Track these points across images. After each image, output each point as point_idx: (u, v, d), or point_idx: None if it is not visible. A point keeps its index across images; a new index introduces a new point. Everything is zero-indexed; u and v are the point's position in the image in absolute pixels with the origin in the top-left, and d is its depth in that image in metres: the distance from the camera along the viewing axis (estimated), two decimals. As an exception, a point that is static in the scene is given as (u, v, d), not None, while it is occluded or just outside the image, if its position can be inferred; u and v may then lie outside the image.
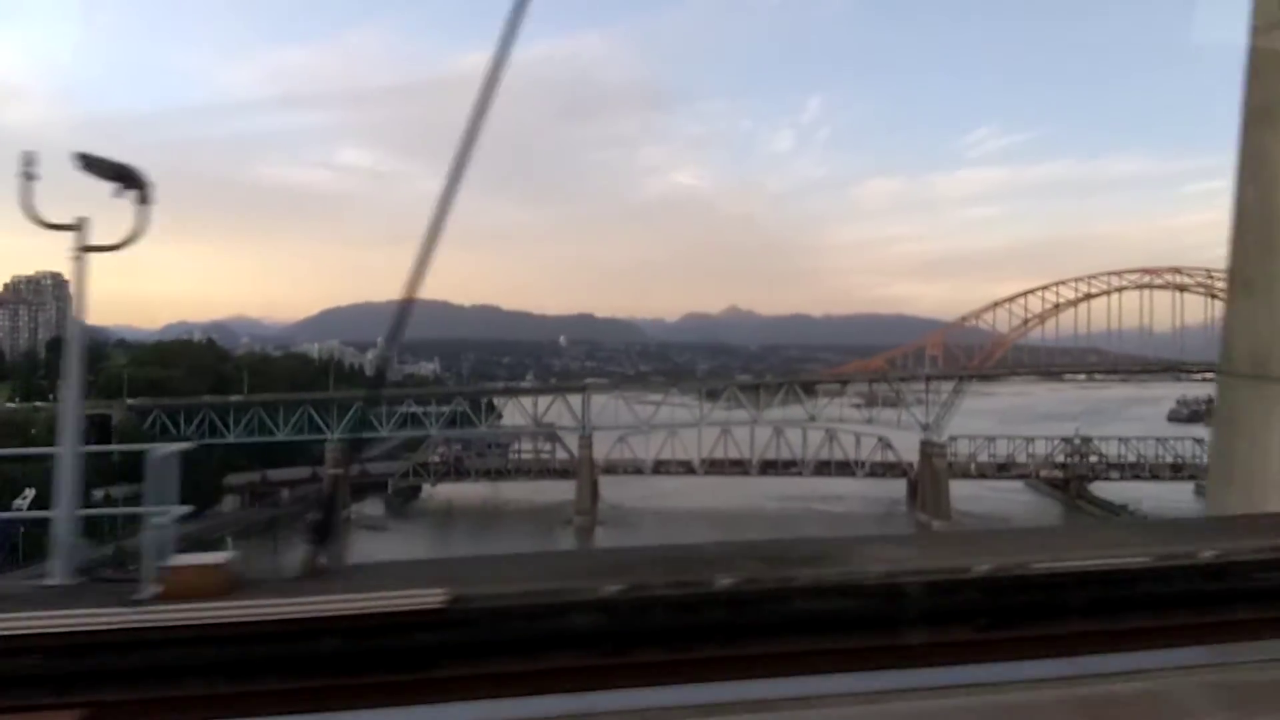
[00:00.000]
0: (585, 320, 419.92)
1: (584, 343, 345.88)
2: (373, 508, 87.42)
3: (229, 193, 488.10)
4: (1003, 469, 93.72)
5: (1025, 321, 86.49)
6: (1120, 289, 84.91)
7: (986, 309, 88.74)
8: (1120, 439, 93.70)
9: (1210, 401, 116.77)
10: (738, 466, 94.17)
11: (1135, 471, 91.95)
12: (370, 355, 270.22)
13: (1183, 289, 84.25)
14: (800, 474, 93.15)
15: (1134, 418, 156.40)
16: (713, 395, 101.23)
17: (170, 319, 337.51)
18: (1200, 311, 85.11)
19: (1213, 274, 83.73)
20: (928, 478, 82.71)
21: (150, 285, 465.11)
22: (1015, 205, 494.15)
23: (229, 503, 79.11)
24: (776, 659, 2.97)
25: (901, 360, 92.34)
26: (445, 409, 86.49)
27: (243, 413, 79.20)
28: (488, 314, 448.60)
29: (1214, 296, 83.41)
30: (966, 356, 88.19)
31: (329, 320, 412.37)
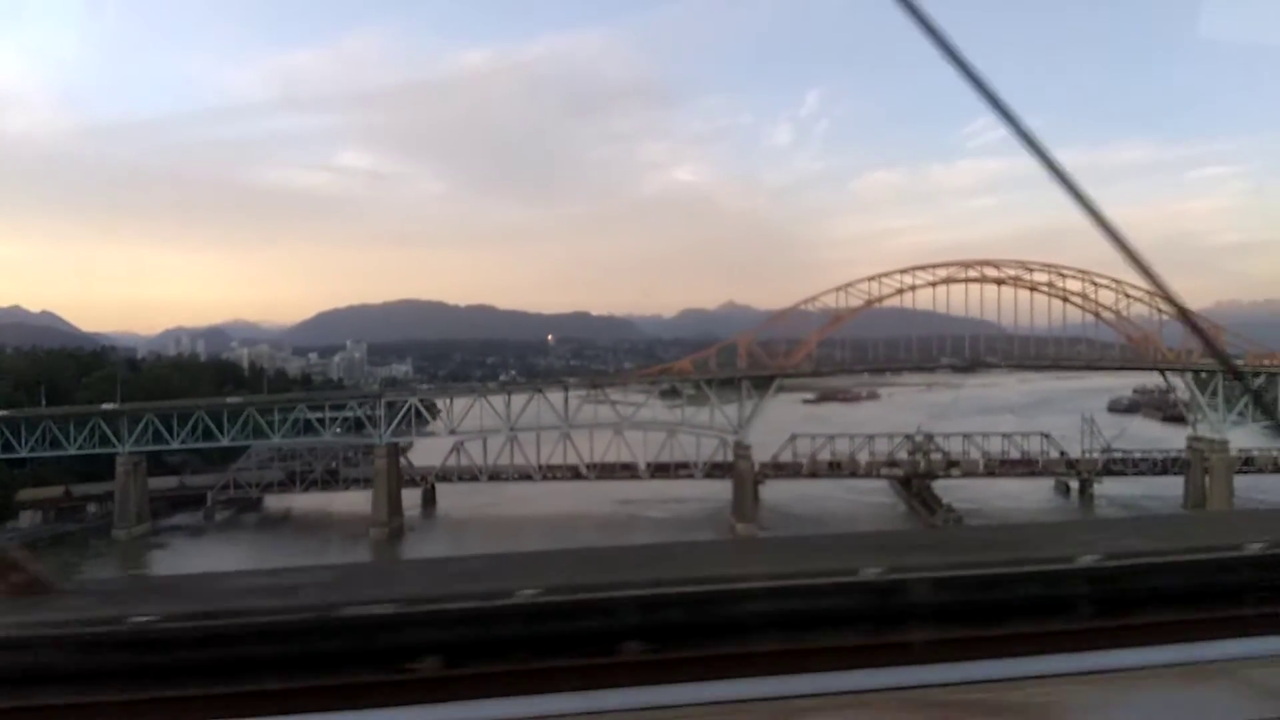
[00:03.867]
0: (580, 318, 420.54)
1: (572, 341, 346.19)
2: (193, 519, 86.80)
3: (228, 196, 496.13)
4: (834, 467, 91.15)
5: (834, 319, 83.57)
6: (933, 283, 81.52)
7: (803, 303, 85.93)
8: (965, 435, 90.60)
9: (1169, 391, 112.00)
10: (628, 470, 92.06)
11: (982, 468, 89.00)
12: (338, 359, 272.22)
13: (1000, 283, 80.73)
14: (639, 477, 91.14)
15: (1075, 409, 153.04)
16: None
17: (169, 324, 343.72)
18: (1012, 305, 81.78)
19: (1030, 267, 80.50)
20: (737, 481, 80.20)
21: (149, 290, 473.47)
22: (1016, 195, 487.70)
23: (26, 518, 78.76)
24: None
25: (715, 359, 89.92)
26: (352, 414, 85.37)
27: (35, 426, 78.77)
28: (482, 314, 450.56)
29: (1034, 290, 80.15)
30: (784, 353, 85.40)
31: (326, 323, 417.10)
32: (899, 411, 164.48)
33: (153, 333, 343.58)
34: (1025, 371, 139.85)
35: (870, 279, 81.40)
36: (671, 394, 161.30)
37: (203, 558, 70.37)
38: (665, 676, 2.73)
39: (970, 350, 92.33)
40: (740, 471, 79.65)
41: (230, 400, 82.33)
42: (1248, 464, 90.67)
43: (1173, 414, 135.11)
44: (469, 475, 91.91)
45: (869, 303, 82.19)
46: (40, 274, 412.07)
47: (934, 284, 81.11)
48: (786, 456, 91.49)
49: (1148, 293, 75.55)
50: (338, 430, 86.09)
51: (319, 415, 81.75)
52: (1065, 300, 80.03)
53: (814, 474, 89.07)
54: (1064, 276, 79.34)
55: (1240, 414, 74.65)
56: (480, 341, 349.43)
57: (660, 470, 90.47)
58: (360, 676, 2.81)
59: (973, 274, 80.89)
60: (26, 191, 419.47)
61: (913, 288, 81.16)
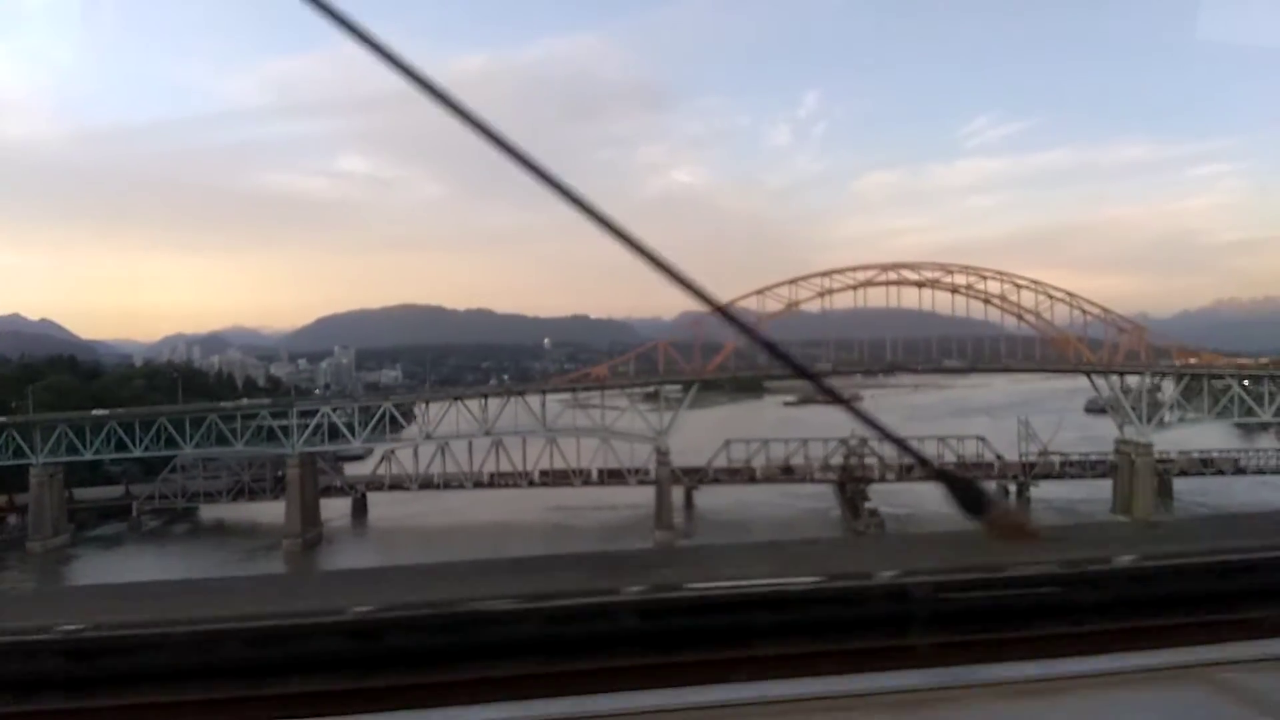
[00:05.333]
0: (579, 322, 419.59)
1: (569, 345, 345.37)
2: (118, 530, 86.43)
3: (228, 202, 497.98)
4: (786, 472, 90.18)
5: (758, 321, 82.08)
6: (853, 286, 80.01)
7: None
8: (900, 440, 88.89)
9: (1156, 389, 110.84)
10: (562, 477, 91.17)
11: (915, 473, 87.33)
12: (325, 365, 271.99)
13: (921, 285, 79.17)
14: (572, 484, 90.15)
15: (1055, 409, 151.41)
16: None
17: (169, 331, 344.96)
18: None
19: (950, 269, 78.86)
20: (657, 488, 78.92)
21: (150, 297, 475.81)
22: (1016, 194, 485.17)
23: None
24: None
25: (635, 363, 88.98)
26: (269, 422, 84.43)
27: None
28: (480, 318, 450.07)
29: (954, 292, 78.59)
30: (702, 358, 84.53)
31: (325, 328, 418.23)
32: (877, 414, 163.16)
33: (153, 339, 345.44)
34: (1016, 373, 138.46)
35: (790, 282, 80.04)
36: (655, 398, 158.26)
37: (99, 569, 69.97)
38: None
39: (939, 351, 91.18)
40: (659, 478, 78.38)
41: (139, 410, 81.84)
42: (1206, 465, 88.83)
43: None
44: (399, 484, 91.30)
45: (790, 306, 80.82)
46: (39, 282, 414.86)
47: (854, 287, 79.65)
48: (721, 462, 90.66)
49: (1069, 294, 74.28)
50: (301, 439, 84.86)
51: (233, 425, 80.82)
52: (986, 302, 78.52)
53: (753, 479, 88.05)
54: (984, 278, 77.82)
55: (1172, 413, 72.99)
56: (476, 345, 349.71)
57: (595, 477, 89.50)
58: None
59: (891, 276, 79.32)
60: (25, 199, 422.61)
61: (830, 291, 79.73)
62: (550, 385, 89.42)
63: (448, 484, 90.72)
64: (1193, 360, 74.98)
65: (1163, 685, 2.58)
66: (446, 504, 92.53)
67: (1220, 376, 75.06)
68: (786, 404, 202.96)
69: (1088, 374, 77.97)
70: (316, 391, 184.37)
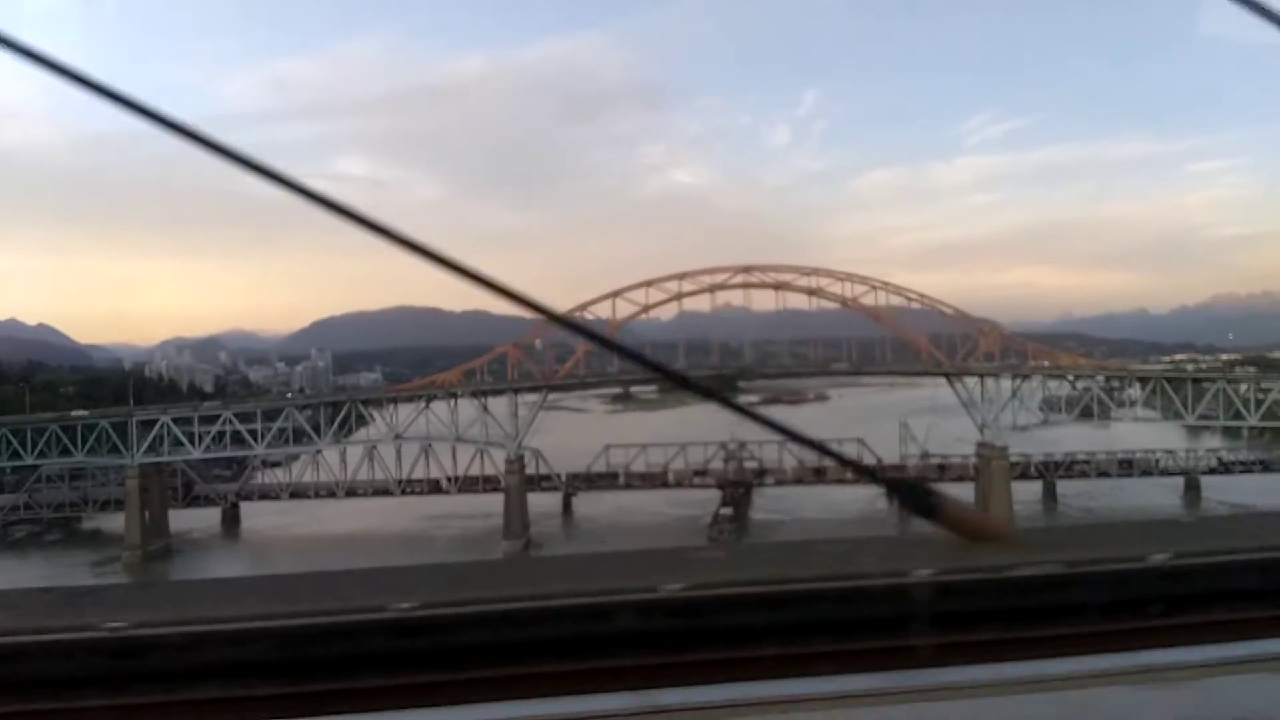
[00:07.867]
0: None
1: (561, 345, 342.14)
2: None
3: (225, 205, 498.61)
4: (700, 475, 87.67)
5: (610, 327, 79.46)
6: (710, 289, 76.88)
7: (575, 310, 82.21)
8: (779, 442, 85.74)
9: (1114, 390, 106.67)
10: (435, 485, 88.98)
11: (798, 476, 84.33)
12: (300, 369, 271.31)
13: (778, 288, 75.88)
14: (446, 492, 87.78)
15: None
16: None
17: (167, 334, 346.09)
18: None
19: (804, 271, 75.36)
20: (506, 496, 76.13)
21: (148, 301, 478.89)
22: (1016, 191, 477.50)
23: None
24: None
25: (482, 370, 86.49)
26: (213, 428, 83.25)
27: None
28: (478, 319, 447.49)
29: (812, 294, 75.32)
30: (558, 362, 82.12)
31: (322, 331, 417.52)
32: (833, 414, 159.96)
33: (151, 343, 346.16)
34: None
35: (645, 284, 77.23)
36: (625, 398, 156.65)
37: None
38: None
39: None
40: (509, 486, 75.62)
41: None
42: (1126, 466, 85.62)
43: (1084, 412, 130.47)
44: (269, 494, 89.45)
45: (645, 309, 78.11)
46: (38, 287, 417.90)
47: (711, 289, 76.59)
48: (601, 467, 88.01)
49: (921, 295, 71.21)
50: (142, 449, 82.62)
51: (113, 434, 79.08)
52: (845, 305, 75.17)
53: (665, 484, 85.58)
54: (838, 280, 74.65)
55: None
56: (470, 347, 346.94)
57: (469, 484, 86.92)
58: None
59: (744, 279, 76.15)
60: (23, 204, 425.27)
61: (680, 296, 76.88)
62: (398, 393, 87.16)
63: (318, 493, 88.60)
64: (1046, 362, 71.71)
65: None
66: (323, 513, 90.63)
67: (1083, 375, 71.77)
68: (751, 404, 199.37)
69: (947, 376, 74.53)
70: (289, 395, 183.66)
